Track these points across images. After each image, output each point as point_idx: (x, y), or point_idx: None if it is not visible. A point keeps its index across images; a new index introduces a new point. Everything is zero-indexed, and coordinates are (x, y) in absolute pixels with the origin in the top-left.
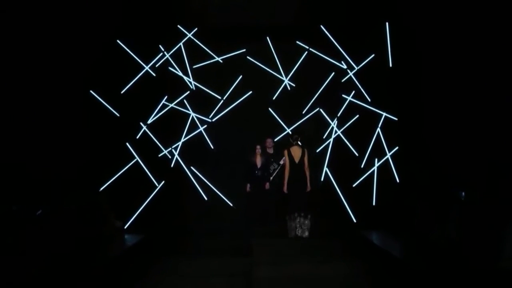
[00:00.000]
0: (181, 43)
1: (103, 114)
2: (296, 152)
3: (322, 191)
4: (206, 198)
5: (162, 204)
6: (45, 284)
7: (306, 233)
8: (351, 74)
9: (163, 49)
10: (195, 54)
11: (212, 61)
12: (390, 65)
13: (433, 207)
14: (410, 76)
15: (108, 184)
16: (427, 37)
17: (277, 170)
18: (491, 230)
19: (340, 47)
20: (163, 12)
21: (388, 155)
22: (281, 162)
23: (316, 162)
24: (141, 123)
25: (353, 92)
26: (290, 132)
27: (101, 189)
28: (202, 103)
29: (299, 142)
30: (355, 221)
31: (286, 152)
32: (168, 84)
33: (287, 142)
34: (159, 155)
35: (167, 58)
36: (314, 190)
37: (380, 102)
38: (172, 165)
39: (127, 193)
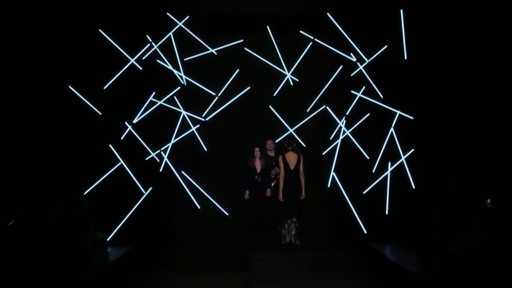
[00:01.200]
0: (170, 33)
1: (83, 113)
2: (292, 158)
3: (329, 199)
4: (199, 207)
5: (149, 213)
6: None
7: (298, 242)
8: (361, 67)
9: (150, 40)
10: (187, 45)
11: (205, 53)
12: (405, 57)
13: (454, 217)
14: (428, 69)
15: (89, 191)
16: (446, 25)
17: (278, 176)
18: None
19: (349, 37)
20: None
21: (403, 158)
22: None
23: (322, 166)
24: (126, 123)
25: (364, 87)
26: (293, 133)
27: (81, 196)
28: (194, 100)
29: (303, 144)
30: (365, 232)
31: (280, 158)
32: (156, 79)
33: (282, 148)
34: (146, 159)
35: (155, 50)
36: (310, 198)
37: (393, 99)
38: (160, 170)
39: (110, 201)
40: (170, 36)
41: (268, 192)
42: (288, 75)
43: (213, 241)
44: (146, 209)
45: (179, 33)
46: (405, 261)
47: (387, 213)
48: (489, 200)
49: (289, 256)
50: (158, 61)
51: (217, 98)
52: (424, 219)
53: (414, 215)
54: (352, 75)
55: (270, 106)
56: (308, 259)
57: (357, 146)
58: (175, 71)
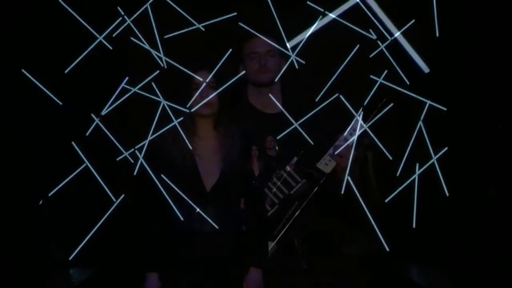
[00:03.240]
0: (147, 4)
1: (40, 102)
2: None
3: (343, 208)
4: (182, 218)
5: (121, 227)
6: None
7: None
8: (382, 47)
9: (122, 13)
10: (167, 19)
11: (190, 28)
12: (437, 35)
13: (497, 231)
14: (465, 49)
15: (47, 199)
16: None
17: (281, 180)
18: None
19: (368, 10)
20: None
21: (434, 159)
22: (288, 169)
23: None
24: (92, 115)
25: (386, 71)
26: (298, 127)
27: (37, 205)
28: (176, 86)
29: (310, 141)
30: (387, 249)
31: None
32: (130, 60)
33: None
34: (118, 159)
35: (129, 25)
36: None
37: (422, 85)
38: (135, 173)
39: (73, 212)
40: (147, 7)
41: (268, 201)
42: (293, 56)
43: (199, 261)
44: (117, 222)
45: (158, 4)
46: (436, 285)
47: (414, 226)
48: None
49: (293, 279)
50: (132, 38)
51: (204, 84)
52: (459, 234)
53: (447, 229)
54: (371, 56)
55: (270, 95)
56: (316, 283)
57: (377, 144)
58: (153, 51)
